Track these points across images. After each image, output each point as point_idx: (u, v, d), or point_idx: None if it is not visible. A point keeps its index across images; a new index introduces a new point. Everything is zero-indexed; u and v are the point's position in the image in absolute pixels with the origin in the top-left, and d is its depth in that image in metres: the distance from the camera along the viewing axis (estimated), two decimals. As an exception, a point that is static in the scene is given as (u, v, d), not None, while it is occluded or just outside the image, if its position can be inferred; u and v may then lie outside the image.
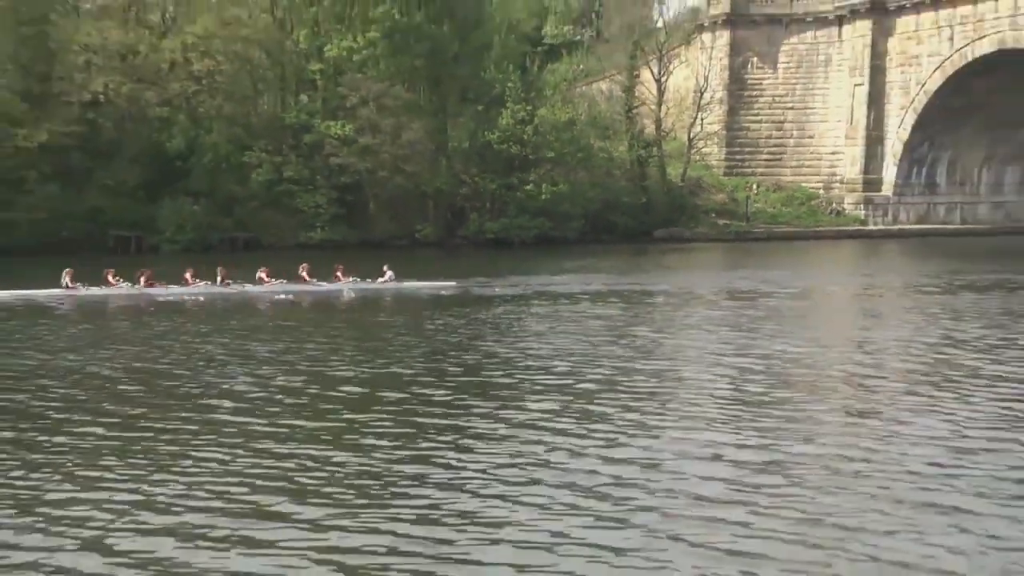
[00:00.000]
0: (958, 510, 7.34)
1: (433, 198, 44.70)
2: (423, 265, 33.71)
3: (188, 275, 24.84)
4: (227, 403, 11.28)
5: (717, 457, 8.80)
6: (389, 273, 25.07)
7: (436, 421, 10.27)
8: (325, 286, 25.02)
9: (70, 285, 23.34)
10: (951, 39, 49.01)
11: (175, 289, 24.17)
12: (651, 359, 14.49)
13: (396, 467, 8.76)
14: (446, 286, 25.60)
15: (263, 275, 24.81)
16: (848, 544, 6.64)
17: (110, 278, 24.45)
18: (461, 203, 45.74)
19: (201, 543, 6.84)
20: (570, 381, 12.39)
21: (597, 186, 48.04)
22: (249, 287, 24.81)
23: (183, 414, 10.81)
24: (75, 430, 10.13)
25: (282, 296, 24.08)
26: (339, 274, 25.17)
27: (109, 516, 7.34)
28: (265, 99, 46.17)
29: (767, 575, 6.29)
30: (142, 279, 24.14)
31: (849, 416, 10.80)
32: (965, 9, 47.32)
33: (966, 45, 48.09)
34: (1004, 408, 10.89)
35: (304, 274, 25.33)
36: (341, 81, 43.76)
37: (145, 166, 42.26)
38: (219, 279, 24.59)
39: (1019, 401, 11.40)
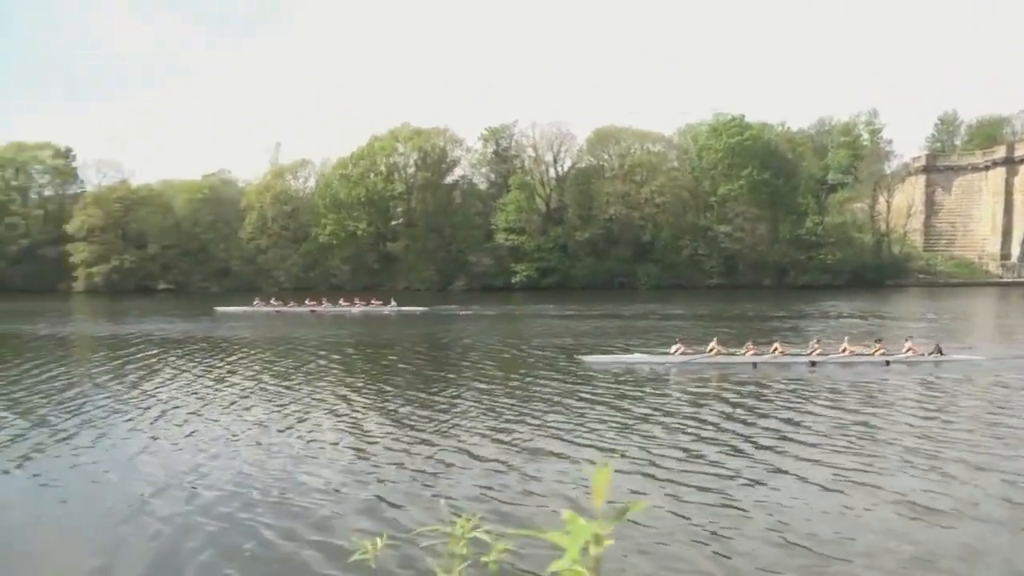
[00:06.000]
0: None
1: (771, 263, 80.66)
2: (764, 297, 65.67)
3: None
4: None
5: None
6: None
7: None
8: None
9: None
10: (1051, 177, 78.34)
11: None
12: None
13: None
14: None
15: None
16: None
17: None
18: (784, 264, 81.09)
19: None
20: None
21: (855, 256, 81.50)
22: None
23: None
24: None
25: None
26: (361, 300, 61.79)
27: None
28: (688, 215, 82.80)
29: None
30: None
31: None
32: (1058, 165, 77.75)
33: (1057, 182, 77.64)
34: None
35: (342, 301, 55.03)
36: (726, 205, 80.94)
37: (632, 247, 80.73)
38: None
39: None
